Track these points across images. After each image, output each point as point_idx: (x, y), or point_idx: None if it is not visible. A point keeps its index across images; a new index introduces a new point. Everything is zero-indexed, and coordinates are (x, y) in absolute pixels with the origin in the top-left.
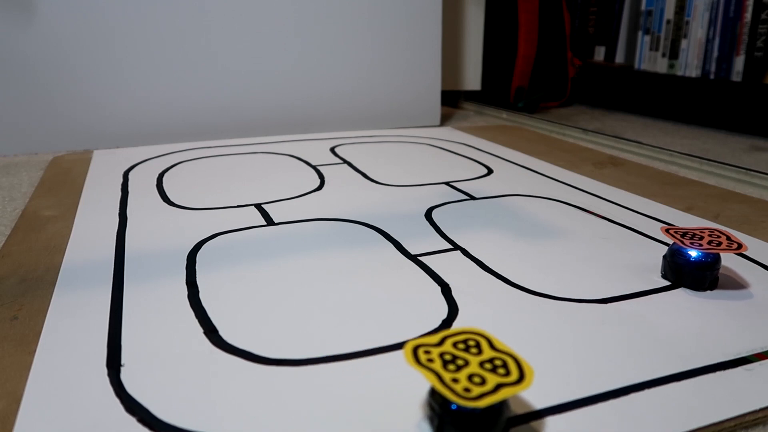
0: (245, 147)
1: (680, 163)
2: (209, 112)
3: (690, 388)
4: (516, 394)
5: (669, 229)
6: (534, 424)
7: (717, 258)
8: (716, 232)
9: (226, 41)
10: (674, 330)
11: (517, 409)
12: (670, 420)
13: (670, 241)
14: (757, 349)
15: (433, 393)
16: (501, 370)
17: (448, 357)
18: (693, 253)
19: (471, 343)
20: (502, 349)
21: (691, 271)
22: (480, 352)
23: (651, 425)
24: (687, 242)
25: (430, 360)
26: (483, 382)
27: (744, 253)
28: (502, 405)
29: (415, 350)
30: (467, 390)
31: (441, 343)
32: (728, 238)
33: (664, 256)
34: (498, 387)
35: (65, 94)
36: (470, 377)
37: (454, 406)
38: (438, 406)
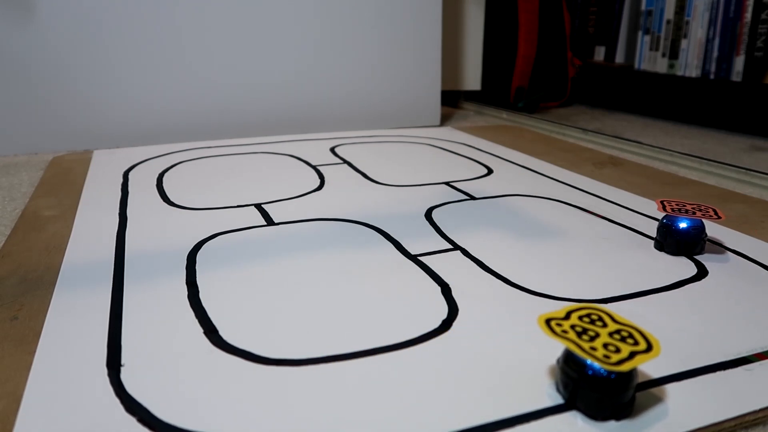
0: (245, 147)
1: (680, 163)
2: (209, 112)
3: (690, 388)
4: (648, 361)
5: (663, 200)
6: (534, 424)
7: (701, 226)
8: (704, 206)
9: (226, 41)
10: (674, 330)
11: (517, 409)
12: (670, 420)
13: (662, 214)
14: (757, 349)
15: (567, 360)
16: (630, 340)
17: (579, 329)
18: (683, 224)
19: (594, 317)
20: (623, 322)
21: (680, 236)
22: (605, 324)
23: (651, 425)
24: (671, 208)
25: (564, 331)
26: (618, 350)
27: (744, 252)
28: (633, 371)
29: (548, 323)
30: (606, 357)
31: (567, 317)
32: (715, 211)
33: (658, 228)
34: (632, 354)
35: (65, 94)
36: (605, 346)
37: (590, 372)
38: (574, 372)
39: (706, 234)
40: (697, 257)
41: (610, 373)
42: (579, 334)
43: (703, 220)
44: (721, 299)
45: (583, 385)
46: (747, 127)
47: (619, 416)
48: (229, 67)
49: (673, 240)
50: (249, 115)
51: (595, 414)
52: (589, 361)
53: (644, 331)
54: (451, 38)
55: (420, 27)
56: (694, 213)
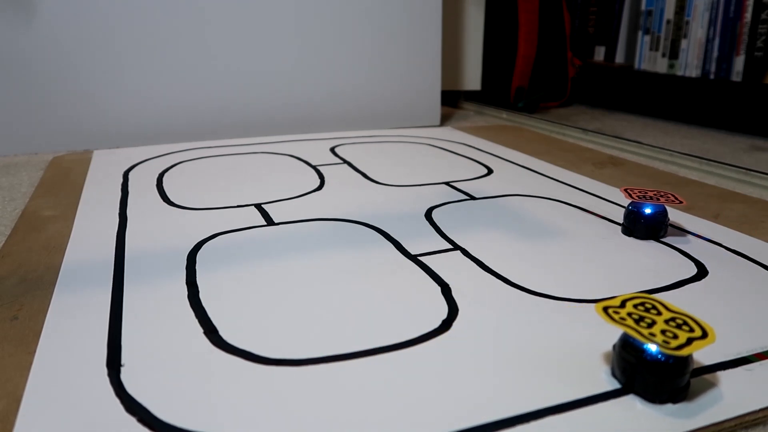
0: (245, 147)
1: (680, 163)
2: (209, 112)
3: (690, 388)
4: (705, 348)
5: (627, 188)
6: (534, 424)
7: (664, 211)
8: (664, 192)
9: (226, 41)
10: None
11: (517, 409)
12: (670, 420)
13: (627, 201)
14: (757, 349)
15: (625, 346)
16: (685, 327)
17: (635, 316)
18: (648, 210)
19: (648, 305)
20: (677, 311)
21: (648, 222)
22: (659, 313)
23: (651, 425)
24: (635, 195)
25: (622, 318)
26: (675, 336)
27: (744, 252)
28: (689, 357)
29: (605, 310)
30: (666, 342)
31: (623, 305)
32: (675, 197)
33: (626, 215)
34: (689, 340)
35: (65, 94)
36: (663, 332)
37: (648, 357)
38: (632, 357)
39: (668, 218)
40: (663, 240)
41: (668, 358)
42: (636, 321)
43: (666, 206)
44: (721, 299)
45: (642, 369)
46: (747, 127)
47: (675, 400)
48: (229, 67)
49: (642, 225)
50: (249, 115)
51: (653, 397)
52: (647, 346)
53: (698, 319)
54: (451, 38)
55: (420, 27)
56: (657, 199)
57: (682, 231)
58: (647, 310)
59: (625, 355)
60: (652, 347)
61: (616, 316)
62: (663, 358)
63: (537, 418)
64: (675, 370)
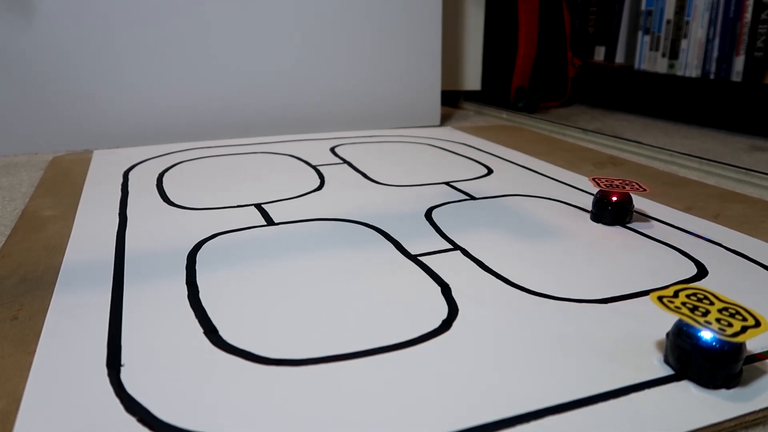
0: (245, 147)
1: (680, 163)
2: (209, 112)
3: (690, 388)
4: (759, 335)
5: (594, 178)
6: (534, 424)
7: (630, 199)
8: (629, 181)
9: (226, 41)
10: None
11: (517, 409)
12: (670, 420)
13: (596, 189)
14: (757, 349)
15: (679, 333)
16: (738, 317)
17: (689, 306)
18: (613, 198)
19: (700, 296)
20: (728, 301)
21: (611, 210)
22: (711, 302)
23: (651, 425)
24: (603, 184)
25: (677, 307)
26: (729, 324)
27: (744, 252)
28: (741, 345)
29: (660, 299)
30: (722, 330)
31: (676, 295)
32: (639, 185)
33: (594, 203)
34: (744, 329)
35: (65, 94)
36: (718, 320)
37: (704, 344)
38: (687, 345)
39: (633, 205)
40: (628, 225)
41: (722, 345)
42: (691, 310)
43: (631, 194)
44: None
45: (697, 356)
46: (747, 127)
47: (729, 385)
48: (229, 67)
49: (609, 212)
50: (249, 115)
51: (708, 383)
52: (702, 333)
53: (750, 309)
54: (451, 38)
55: (420, 27)
56: (624, 188)
57: (647, 217)
58: (700, 300)
59: (680, 343)
60: (707, 335)
61: (671, 305)
62: (718, 345)
63: (537, 418)
64: (730, 356)
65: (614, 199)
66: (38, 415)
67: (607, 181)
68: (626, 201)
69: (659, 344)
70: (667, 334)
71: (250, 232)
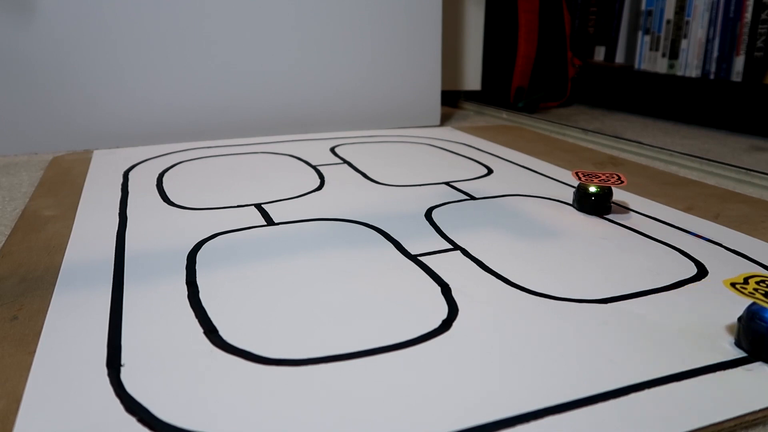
0: (245, 147)
1: (680, 163)
2: (209, 112)
3: (690, 388)
4: None
5: (577, 171)
6: (534, 424)
7: (609, 191)
8: (610, 173)
9: (226, 41)
10: (674, 330)
11: (517, 409)
12: (670, 420)
13: (576, 181)
14: None
15: (752, 317)
16: None
17: (762, 291)
18: (593, 189)
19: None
20: None
21: (592, 201)
22: None
23: (651, 425)
24: (584, 178)
25: (750, 292)
26: None
27: (744, 252)
28: None
29: (733, 285)
30: None
31: (746, 282)
32: (619, 178)
33: (575, 194)
34: None
35: (65, 94)
36: None
37: None
38: (762, 328)
39: (612, 197)
40: (607, 217)
41: None
42: (764, 295)
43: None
44: (721, 299)
45: None
46: (747, 127)
47: None
48: (229, 67)
49: (589, 204)
50: (249, 115)
51: None
52: None
53: None
54: (451, 38)
55: (420, 27)
56: (606, 181)
57: (626, 209)
58: None
59: (754, 326)
60: None
61: (744, 290)
62: None
63: (537, 418)
64: None
65: (594, 191)
66: (38, 415)
67: (589, 174)
68: (607, 194)
69: (655, 342)
70: (739, 319)
71: (250, 232)
